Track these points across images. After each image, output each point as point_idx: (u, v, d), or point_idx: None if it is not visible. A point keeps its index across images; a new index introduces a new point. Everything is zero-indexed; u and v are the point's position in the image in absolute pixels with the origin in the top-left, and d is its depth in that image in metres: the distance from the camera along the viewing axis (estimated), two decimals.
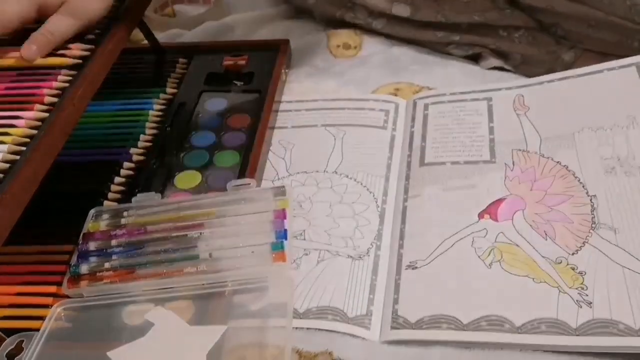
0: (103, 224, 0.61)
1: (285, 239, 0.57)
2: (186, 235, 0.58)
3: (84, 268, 0.56)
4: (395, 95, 0.77)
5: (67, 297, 0.55)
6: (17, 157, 0.51)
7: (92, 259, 0.57)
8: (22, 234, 0.52)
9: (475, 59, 0.83)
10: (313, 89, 0.80)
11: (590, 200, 0.59)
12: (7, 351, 0.51)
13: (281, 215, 0.59)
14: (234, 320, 0.52)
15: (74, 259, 0.58)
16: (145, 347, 0.51)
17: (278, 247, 0.56)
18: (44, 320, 0.53)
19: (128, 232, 0.59)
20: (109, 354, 0.50)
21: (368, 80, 0.80)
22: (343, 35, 0.87)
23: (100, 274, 0.56)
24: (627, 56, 0.77)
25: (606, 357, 0.50)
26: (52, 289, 0.56)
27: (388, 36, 0.86)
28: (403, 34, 0.85)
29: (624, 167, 0.61)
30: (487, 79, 0.79)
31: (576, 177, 0.62)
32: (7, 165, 0.50)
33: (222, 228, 0.59)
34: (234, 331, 0.52)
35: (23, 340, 0.52)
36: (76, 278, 0.56)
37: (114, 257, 0.57)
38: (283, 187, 0.62)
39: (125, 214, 0.61)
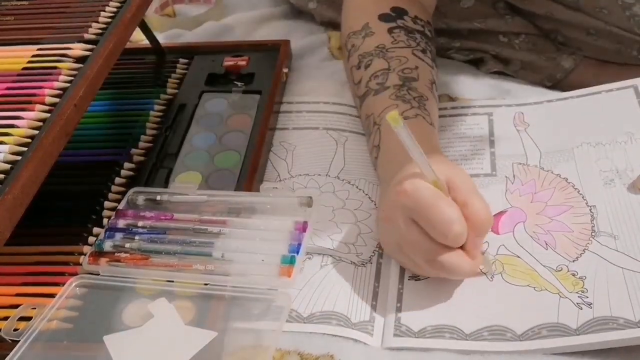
0: (139, 203, 0.63)
1: (298, 253, 0.56)
2: (207, 229, 0.59)
3: (107, 244, 0.58)
4: None
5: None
6: (18, 158, 0.50)
7: (118, 236, 0.59)
8: (23, 234, 0.52)
9: (476, 63, 0.83)
10: (314, 90, 0.80)
11: (590, 210, 0.60)
12: (18, 316, 0.53)
13: (301, 227, 0.59)
14: (231, 324, 0.53)
15: (102, 233, 0.60)
16: (138, 338, 0.52)
17: (287, 261, 0.55)
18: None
19: (155, 216, 0.61)
20: (104, 338, 0.52)
21: None
22: None
23: (119, 254, 0.57)
24: (626, 64, 0.77)
25: (606, 356, 0.50)
26: (52, 289, 0.56)
27: None
28: None
29: (623, 179, 0.62)
30: (487, 83, 0.79)
31: (576, 189, 0.62)
32: (9, 165, 0.50)
33: (242, 230, 0.59)
34: (231, 335, 0.52)
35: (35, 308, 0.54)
36: (98, 254, 0.57)
37: (136, 237, 0.59)
38: (310, 197, 0.62)
39: (158, 197, 0.63)
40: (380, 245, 0.60)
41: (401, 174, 0.55)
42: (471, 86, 0.79)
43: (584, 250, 0.57)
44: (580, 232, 0.58)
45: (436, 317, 0.54)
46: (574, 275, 0.55)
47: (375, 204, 0.65)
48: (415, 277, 0.57)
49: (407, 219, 0.52)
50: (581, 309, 0.52)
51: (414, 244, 0.52)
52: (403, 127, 0.51)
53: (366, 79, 0.69)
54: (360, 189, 0.66)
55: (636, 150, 0.64)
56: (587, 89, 0.73)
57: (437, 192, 0.52)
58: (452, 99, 0.76)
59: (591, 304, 0.52)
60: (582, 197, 0.61)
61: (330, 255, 0.60)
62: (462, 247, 0.52)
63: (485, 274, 0.56)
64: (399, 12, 0.72)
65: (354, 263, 0.59)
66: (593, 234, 0.58)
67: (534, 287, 0.55)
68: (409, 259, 0.54)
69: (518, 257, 0.57)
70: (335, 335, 0.53)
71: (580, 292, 0.53)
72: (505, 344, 0.51)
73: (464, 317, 0.53)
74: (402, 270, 0.58)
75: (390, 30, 0.70)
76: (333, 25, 0.89)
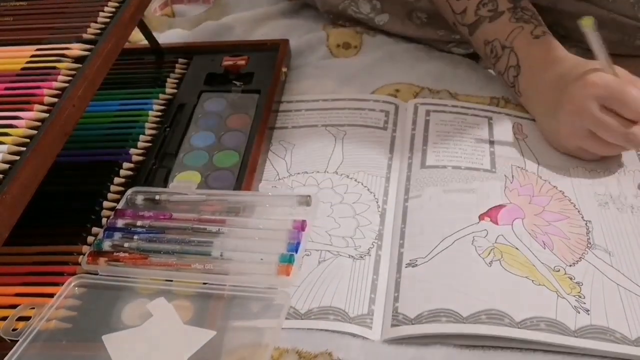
0: (137, 203, 0.63)
1: (296, 252, 0.56)
2: (205, 228, 0.59)
3: (106, 244, 0.58)
4: (395, 96, 0.77)
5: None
6: (17, 158, 0.50)
7: (116, 235, 0.59)
8: (22, 234, 0.52)
9: (476, 57, 0.83)
10: (313, 88, 0.80)
11: (586, 224, 0.61)
12: (17, 316, 0.53)
13: (300, 226, 0.59)
14: (230, 323, 0.53)
15: (101, 233, 0.59)
16: (137, 337, 0.52)
17: (286, 260, 0.55)
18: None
19: (154, 216, 0.61)
20: (103, 337, 0.52)
21: (368, 81, 0.80)
22: (343, 35, 0.87)
23: (118, 254, 0.57)
24: (629, 55, 0.77)
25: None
26: (51, 289, 0.56)
27: (389, 34, 0.86)
28: (404, 32, 0.85)
29: (616, 204, 0.63)
30: (487, 78, 0.79)
31: (572, 203, 0.63)
32: (7, 165, 0.50)
33: (241, 229, 0.59)
34: (230, 334, 0.52)
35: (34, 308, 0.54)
36: (97, 254, 0.57)
37: (135, 237, 0.59)
38: (309, 196, 0.62)
39: (157, 197, 0.63)
40: (380, 234, 0.61)
41: (581, 71, 0.65)
42: (471, 81, 0.79)
43: (580, 258, 0.57)
44: (577, 241, 0.59)
45: (433, 301, 0.53)
46: (571, 278, 0.55)
47: (374, 196, 0.65)
48: (412, 264, 0.57)
49: (600, 106, 0.62)
50: (579, 312, 0.52)
51: (609, 126, 0.62)
52: (596, 31, 0.62)
53: (473, 7, 0.74)
54: (359, 182, 0.66)
55: (628, 180, 0.65)
56: None
57: (621, 80, 0.62)
58: (452, 95, 0.77)
59: (589, 310, 0.52)
60: (578, 211, 0.62)
61: (328, 251, 0.60)
62: None
63: None
64: None
65: (352, 257, 0.59)
66: (589, 245, 0.58)
67: (532, 280, 0.55)
68: (600, 142, 0.64)
69: (517, 248, 0.57)
70: (334, 331, 0.53)
71: (577, 297, 0.54)
72: (503, 329, 0.51)
73: (461, 301, 0.53)
74: (400, 259, 0.58)
75: None
76: (335, 13, 0.89)
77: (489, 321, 0.51)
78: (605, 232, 0.60)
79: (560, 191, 0.64)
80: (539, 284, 0.54)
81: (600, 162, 0.67)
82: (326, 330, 0.53)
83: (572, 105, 0.64)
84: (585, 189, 0.64)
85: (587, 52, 0.79)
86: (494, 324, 0.51)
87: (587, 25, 0.62)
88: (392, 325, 0.53)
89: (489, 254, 0.57)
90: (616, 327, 0.51)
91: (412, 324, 0.52)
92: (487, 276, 0.55)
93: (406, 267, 0.57)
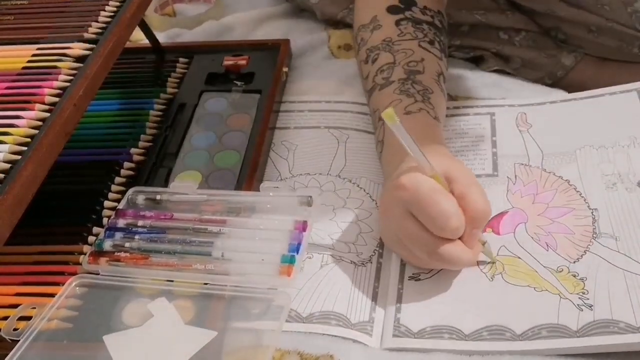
0: (138, 202, 0.63)
1: (298, 252, 0.56)
2: (207, 229, 0.59)
3: (107, 244, 0.58)
4: None
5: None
6: (18, 157, 0.50)
7: (117, 235, 0.59)
8: (23, 234, 0.52)
9: (476, 61, 0.83)
10: (313, 89, 0.80)
11: (592, 213, 0.60)
12: (18, 316, 0.53)
13: (301, 226, 0.59)
14: (231, 324, 0.53)
15: (102, 233, 0.59)
16: (137, 337, 0.52)
17: (287, 261, 0.55)
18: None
19: (155, 216, 0.61)
20: (104, 337, 0.52)
21: None
22: (345, 36, 0.87)
23: (119, 254, 0.57)
24: (627, 62, 0.77)
25: (606, 357, 0.50)
26: (52, 289, 0.56)
27: None
28: None
29: (625, 183, 0.62)
30: (488, 82, 0.79)
31: (577, 191, 0.62)
32: (8, 165, 0.50)
33: (242, 229, 0.59)
34: (230, 335, 0.52)
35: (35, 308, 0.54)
36: (98, 254, 0.57)
37: (136, 237, 0.59)
38: (310, 196, 0.62)
39: (158, 197, 0.63)
40: (382, 242, 0.60)
41: (401, 168, 0.55)
42: (472, 85, 0.78)
43: (584, 252, 0.57)
44: (582, 234, 0.58)
45: (435, 317, 0.53)
46: (574, 276, 0.55)
47: (376, 203, 0.64)
48: (415, 278, 0.57)
49: (406, 212, 0.53)
50: (582, 310, 0.52)
51: (413, 236, 0.53)
52: (398, 124, 0.51)
53: (373, 73, 0.69)
54: (361, 188, 0.66)
55: (639, 154, 0.64)
56: (589, 91, 0.73)
57: (435, 186, 0.52)
58: (452, 97, 0.76)
59: (592, 305, 0.52)
60: (584, 200, 0.61)
61: (331, 255, 0.60)
62: (460, 238, 0.53)
63: (492, 263, 0.56)
64: (407, 4, 0.72)
65: (354, 262, 0.59)
66: (594, 235, 0.58)
67: (534, 288, 0.55)
68: (409, 251, 0.55)
69: (519, 258, 0.57)
70: (335, 336, 0.53)
71: (580, 294, 0.53)
72: (505, 343, 0.51)
73: (463, 318, 0.53)
74: (402, 270, 0.58)
75: (397, 23, 0.70)
76: (333, 22, 0.89)
77: (491, 337, 0.51)
78: (612, 217, 0.59)
79: (566, 180, 0.63)
80: (542, 290, 0.54)
81: (609, 136, 0.65)
82: (328, 335, 0.53)
83: (382, 206, 0.58)
84: (592, 171, 0.63)
85: (585, 58, 0.80)
86: (496, 340, 0.51)
87: (389, 118, 0.50)
88: (394, 336, 0.53)
89: (491, 268, 0.57)
90: (620, 317, 0.51)
91: (415, 337, 0.53)
92: (489, 291, 0.55)
93: (409, 279, 0.57)
